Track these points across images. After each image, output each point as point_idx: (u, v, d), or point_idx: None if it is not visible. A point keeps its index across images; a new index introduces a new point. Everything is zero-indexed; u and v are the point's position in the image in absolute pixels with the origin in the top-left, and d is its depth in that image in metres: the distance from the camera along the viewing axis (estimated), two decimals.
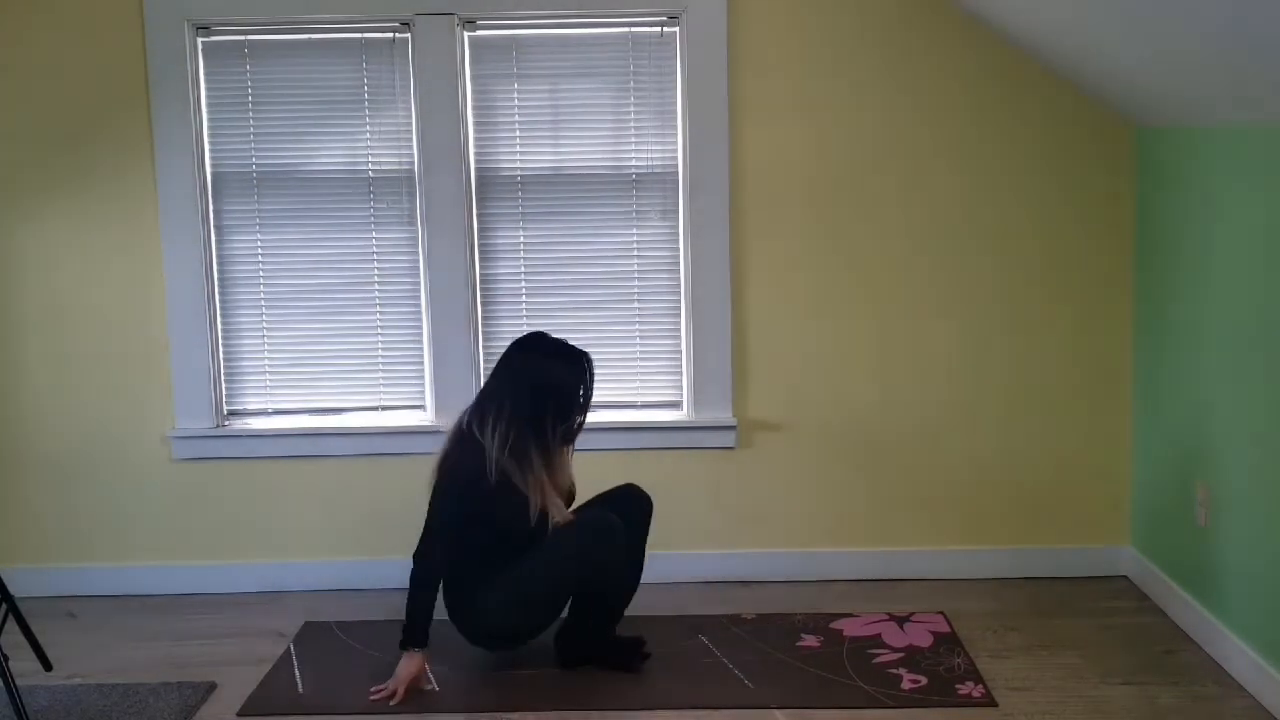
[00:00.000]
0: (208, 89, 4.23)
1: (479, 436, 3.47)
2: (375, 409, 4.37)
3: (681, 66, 4.17)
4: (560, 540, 3.52)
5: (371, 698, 3.47)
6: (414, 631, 3.49)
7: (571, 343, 3.59)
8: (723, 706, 3.42)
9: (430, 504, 3.54)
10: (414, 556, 3.51)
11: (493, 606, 3.54)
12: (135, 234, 4.23)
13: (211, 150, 4.25)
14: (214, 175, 4.26)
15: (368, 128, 4.25)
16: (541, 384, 3.49)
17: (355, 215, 4.29)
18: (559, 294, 4.29)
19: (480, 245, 4.27)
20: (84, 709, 3.45)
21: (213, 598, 4.30)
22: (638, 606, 4.02)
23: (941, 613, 4.01)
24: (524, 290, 4.30)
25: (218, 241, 4.28)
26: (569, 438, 3.57)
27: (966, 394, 4.27)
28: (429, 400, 4.33)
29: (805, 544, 4.33)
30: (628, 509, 3.66)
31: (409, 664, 3.49)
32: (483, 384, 3.58)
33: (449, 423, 4.23)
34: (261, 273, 4.31)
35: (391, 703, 3.45)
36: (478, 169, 4.25)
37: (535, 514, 3.46)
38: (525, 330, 4.24)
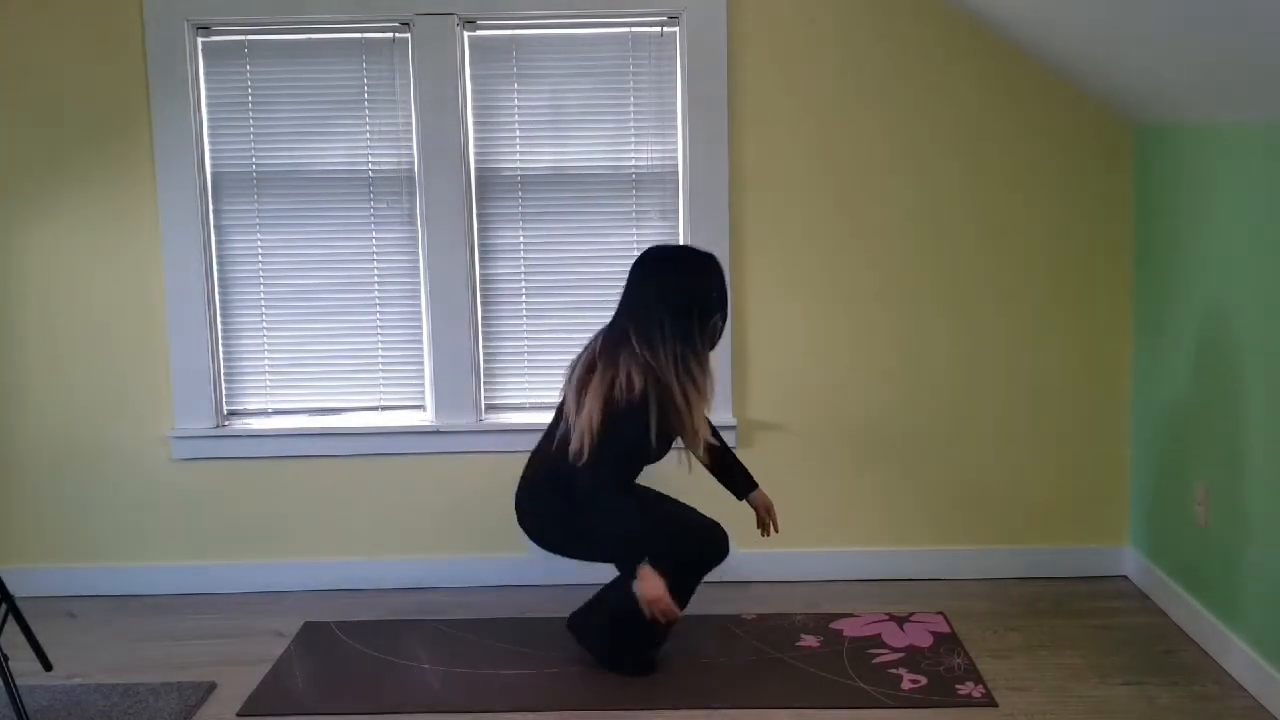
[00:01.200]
0: (208, 89, 4.23)
1: (651, 360, 3.40)
2: (375, 409, 4.37)
3: (681, 66, 4.17)
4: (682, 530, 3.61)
5: (669, 616, 3.40)
6: (644, 545, 3.40)
7: (694, 247, 3.61)
8: (723, 706, 3.41)
9: (608, 431, 3.39)
10: (590, 488, 3.40)
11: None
12: (135, 234, 4.23)
13: (211, 150, 4.25)
14: (214, 175, 4.26)
15: (368, 128, 4.25)
16: (685, 291, 3.45)
17: (355, 215, 4.29)
18: (559, 294, 4.29)
19: (480, 245, 4.27)
20: (84, 709, 3.45)
21: (213, 598, 4.30)
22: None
23: (941, 613, 4.01)
24: (524, 290, 4.30)
25: (218, 241, 4.28)
26: (714, 340, 3.53)
27: (966, 394, 4.27)
28: (429, 400, 4.33)
29: (805, 544, 4.33)
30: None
31: (655, 580, 3.36)
32: (621, 306, 3.53)
33: (448, 421, 4.27)
34: (261, 273, 4.31)
35: (667, 618, 3.39)
36: (478, 169, 4.25)
37: (690, 430, 3.44)
38: (526, 327, 4.29)
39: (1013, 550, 4.32)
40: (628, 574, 3.44)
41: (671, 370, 3.41)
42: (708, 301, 3.49)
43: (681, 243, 3.59)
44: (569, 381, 3.54)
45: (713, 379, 3.54)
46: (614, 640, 3.63)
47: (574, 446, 3.41)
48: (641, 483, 3.66)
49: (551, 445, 3.56)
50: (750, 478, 3.83)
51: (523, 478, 3.66)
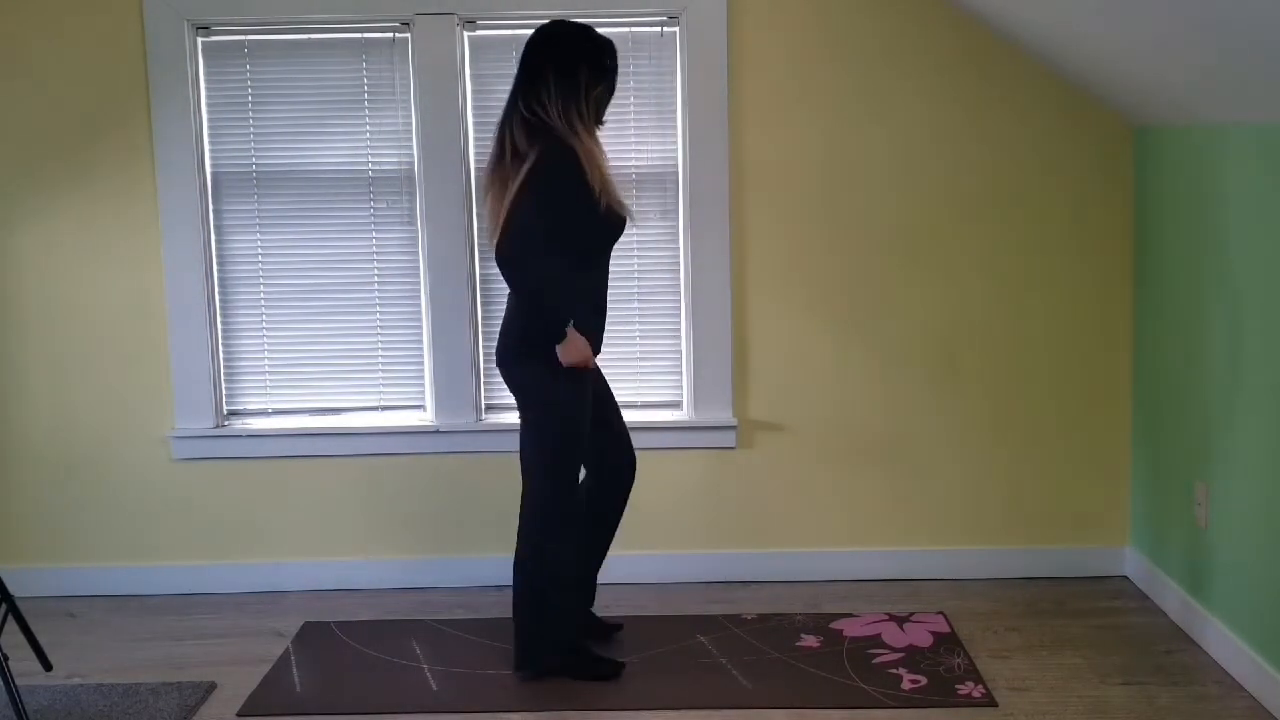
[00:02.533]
0: (208, 89, 4.23)
1: (542, 114, 3.38)
2: (375, 409, 4.37)
3: (681, 66, 4.17)
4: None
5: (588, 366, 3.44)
6: (561, 322, 3.39)
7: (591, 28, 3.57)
8: (723, 706, 3.42)
9: (519, 210, 3.32)
10: (507, 257, 3.35)
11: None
12: (135, 234, 4.24)
13: (211, 150, 4.25)
14: (214, 175, 4.26)
15: (368, 128, 4.25)
16: (572, 57, 3.42)
17: (355, 215, 4.29)
18: None
19: (480, 245, 4.27)
20: (84, 709, 3.45)
21: (213, 598, 4.30)
22: (636, 606, 4.04)
23: (941, 613, 4.01)
24: None
25: (218, 241, 4.29)
26: (599, 112, 3.49)
27: (966, 393, 4.27)
28: (429, 400, 4.33)
29: (805, 544, 4.33)
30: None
31: (578, 342, 3.40)
32: (517, 77, 3.48)
33: (448, 421, 4.27)
34: (261, 273, 4.31)
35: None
36: (478, 169, 4.25)
37: (603, 202, 3.36)
38: None
39: (1013, 550, 4.32)
40: (556, 340, 3.40)
41: (560, 123, 3.37)
42: (595, 69, 3.45)
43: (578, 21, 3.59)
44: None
45: (601, 151, 3.45)
46: (526, 634, 3.56)
47: (498, 238, 3.37)
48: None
49: None
50: None
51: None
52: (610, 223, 3.45)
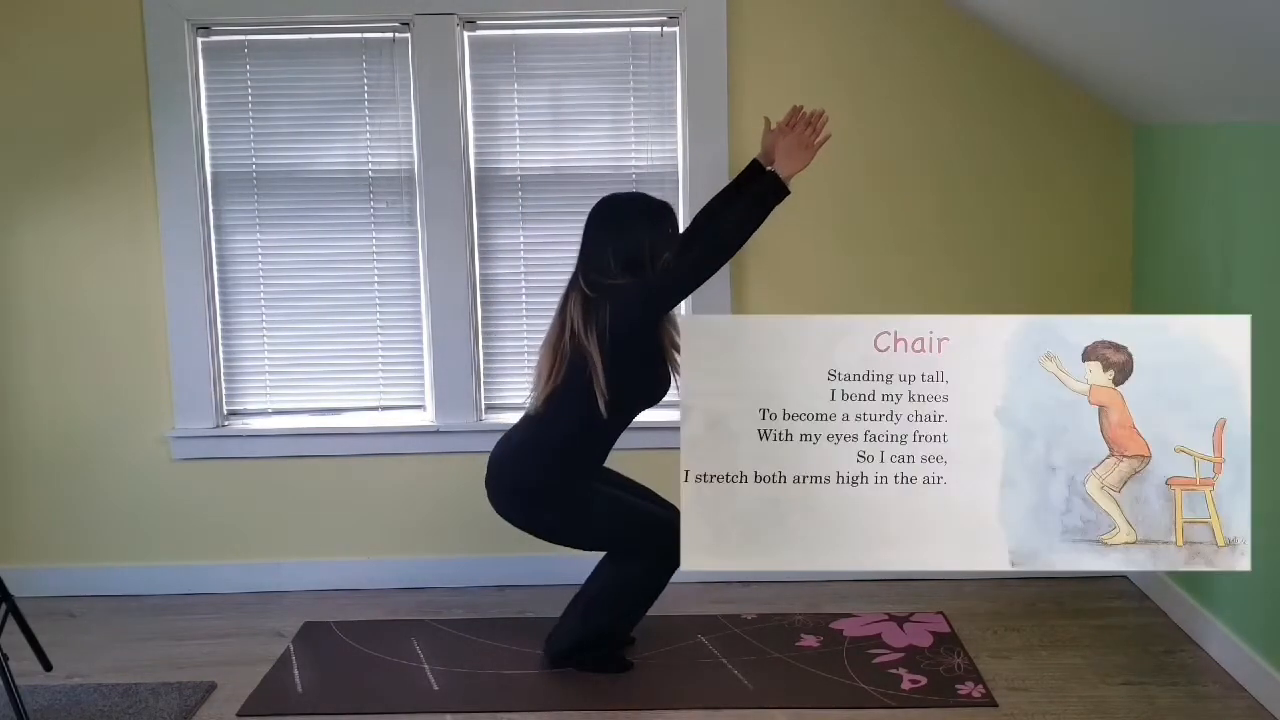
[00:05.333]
0: (208, 89, 4.23)
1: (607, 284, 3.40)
2: (375, 409, 4.38)
3: (681, 66, 4.17)
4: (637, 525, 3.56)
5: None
6: (749, 209, 3.40)
7: (647, 195, 3.60)
8: (722, 706, 3.42)
9: (627, 319, 3.37)
10: (672, 281, 3.39)
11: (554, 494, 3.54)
12: (135, 234, 4.23)
13: (211, 150, 4.25)
14: (214, 175, 4.26)
15: (368, 128, 4.25)
16: (636, 242, 3.43)
17: (355, 215, 4.29)
18: (559, 294, 4.26)
19: (480, 245, 4.27)
20: (84, 709, 3.45)
21: (213, 598, 4.30)
22: None
23: (941, 613, 4.01)
24: (524, 290, 4.29)
25: (218, 241, 4.29)
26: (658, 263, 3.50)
27: None
28: (429, 400, 4.33)
29: None
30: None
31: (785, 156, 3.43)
32: (580, 251, 3.50)
33: (448, 421, 4.27)
34: (261, 273, 4.31)
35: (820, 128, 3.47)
36: (478, 169, 4.25)
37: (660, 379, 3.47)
38: (526, 327, 4.28)
39: None
40: (772, 202, 3.40)
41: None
42: (657, 240, 3.46)
43: (635, 191, 3.58)
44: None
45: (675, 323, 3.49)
46: (586, 633, 3.62)
47: (600, 398, 3.40)
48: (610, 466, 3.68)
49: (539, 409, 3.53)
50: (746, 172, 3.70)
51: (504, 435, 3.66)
52: (664, 381, 3.57)
